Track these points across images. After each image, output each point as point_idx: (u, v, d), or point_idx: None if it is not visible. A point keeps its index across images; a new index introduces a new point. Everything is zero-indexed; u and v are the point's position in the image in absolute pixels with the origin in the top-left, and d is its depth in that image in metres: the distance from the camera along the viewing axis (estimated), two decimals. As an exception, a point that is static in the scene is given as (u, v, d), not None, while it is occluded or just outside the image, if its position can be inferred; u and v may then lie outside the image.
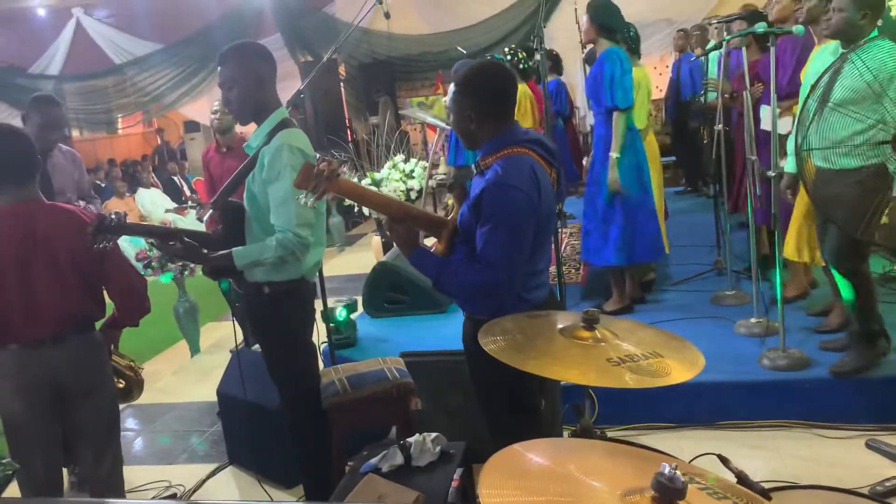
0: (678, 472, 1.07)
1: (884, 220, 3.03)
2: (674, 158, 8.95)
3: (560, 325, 1.80)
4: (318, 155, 2.48)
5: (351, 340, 4.42)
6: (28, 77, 12.38)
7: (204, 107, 10.55)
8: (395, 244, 2.26)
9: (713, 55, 4.57)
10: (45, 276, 2.56)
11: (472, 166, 2.24)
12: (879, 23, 3.15)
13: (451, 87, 2.23)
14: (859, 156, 3.01)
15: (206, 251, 2.64)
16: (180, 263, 5.12)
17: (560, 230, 7.20)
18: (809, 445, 3.27)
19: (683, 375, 1.66)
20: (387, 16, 4.08)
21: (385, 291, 4.94)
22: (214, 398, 3.89)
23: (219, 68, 2.67)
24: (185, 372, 5.38)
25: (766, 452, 3.23)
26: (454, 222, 2.22)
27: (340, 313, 4.31)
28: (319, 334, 3.07)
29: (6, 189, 2.57)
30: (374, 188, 6.00)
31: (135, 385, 3.29)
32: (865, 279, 3.39)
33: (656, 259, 4.79)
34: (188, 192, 11.34)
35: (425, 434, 2.54)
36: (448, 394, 3.31)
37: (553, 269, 3.83)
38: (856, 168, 3.05)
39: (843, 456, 3.14)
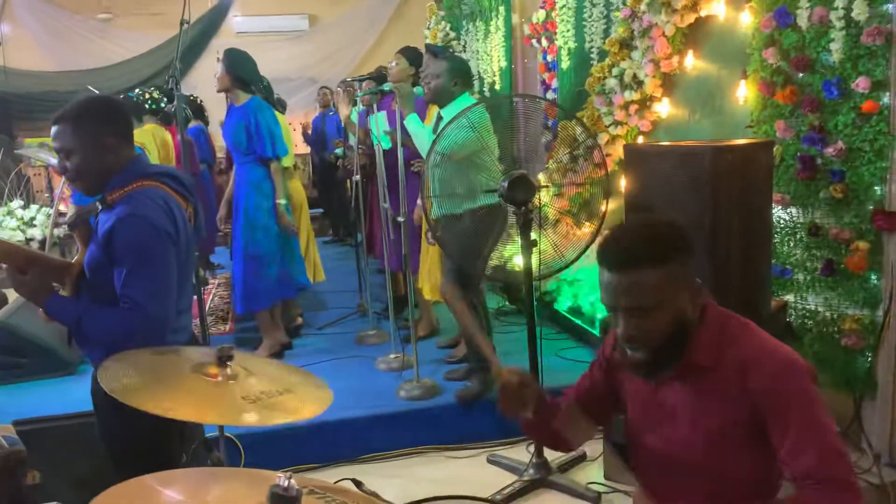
0: (293, 481, 1.11)
1: (493, 261, 3.50)
2: (321, 210, 9.28)
3: (191, 362, 1.73)
4: None
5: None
6: None
7: None
8: (21, 295, 2.01)
9: (353, 111, 4.87)
10: None
11: (97, 202, 2.08)
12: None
13: (64, 125, 2.01)
14: (472, 200, 3.46)
15: None
16: None
17: (209, 280, 6.99)
18: (442, 467, 3.55)
19: (314, 410, 1.68)
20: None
21: (-5, 355, 4.29)
22: None
23: None
24: None
25: (402, 480, 3.42)
26: (80, 265, 2.04)
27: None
28: None
29: None
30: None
31: None
32: (475, 309, 3.76)
33: (284, 297, 4.64)
34: None
35: (44, 506, 2.24)
36: (75, 461, 2.96)
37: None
38: (469, 211, 3.49)
39: (470, 473, 3.47)
